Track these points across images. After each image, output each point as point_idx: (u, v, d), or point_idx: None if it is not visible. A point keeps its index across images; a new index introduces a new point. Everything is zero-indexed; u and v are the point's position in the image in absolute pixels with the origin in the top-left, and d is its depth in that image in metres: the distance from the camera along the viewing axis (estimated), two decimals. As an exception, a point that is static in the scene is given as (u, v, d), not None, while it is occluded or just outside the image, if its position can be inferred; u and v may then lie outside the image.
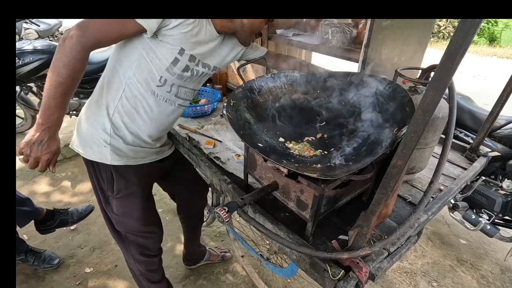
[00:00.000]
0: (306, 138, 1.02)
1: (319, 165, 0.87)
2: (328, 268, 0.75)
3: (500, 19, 9.50)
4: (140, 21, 0.86)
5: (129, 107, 1.04)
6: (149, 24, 0.88)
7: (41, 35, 4.57)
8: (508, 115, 1.93)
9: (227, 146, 1.40)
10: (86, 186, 2.65)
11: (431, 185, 0.80)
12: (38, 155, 0.92)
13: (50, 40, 4.73)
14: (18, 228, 1.79)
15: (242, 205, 0.82)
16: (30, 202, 1.76)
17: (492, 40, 9.52)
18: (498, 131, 1.91)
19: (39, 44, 2.77)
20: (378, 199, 0.64)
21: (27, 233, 2.06)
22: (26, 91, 2.91)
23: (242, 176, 1.17)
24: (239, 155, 1.31)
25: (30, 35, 4.40)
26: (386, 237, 0.79)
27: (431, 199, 1.03)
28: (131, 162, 1.12)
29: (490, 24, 10.20)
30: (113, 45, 1.00)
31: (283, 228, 0.89)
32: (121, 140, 1.08)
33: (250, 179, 1.09)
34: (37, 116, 0.89)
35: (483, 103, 2.45)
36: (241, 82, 1.89)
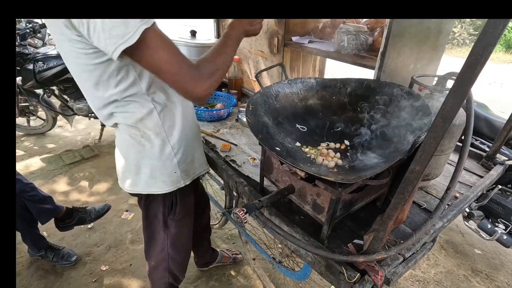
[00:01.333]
0: (322, 144, 1.04)
1: (335, 169, 0.89)
2: (344, 270, 0.76)
3: (518, 26, 9.30)
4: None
5: (169, 116, 0.99)
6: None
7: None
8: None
9: (243, 149, 1.43)
10: (103, 186, 2.72)
11: (447, 192, 0.80)
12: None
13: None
14: (39, 225, 1.86)
15: (260, 207, 0.85)
16: (51, 200, 1.83)
17: (509, 47, 9.31)
18: (516, 139, 1.88)
19: (62, 48, 2.88)
20: (395, 203, 0.66)
21: (47, 230, 2.14)
22: (49, 94, 3.03)
23: (257, 179, 1.20)
24: (254, 159, 1.34)
25: (53, 40, 4.56)
26: (402, 242, 0.80)
27: (447, 206, 1.03)
28: (195, 174, 1.14)
29: (506, 30, 9.98)
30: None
31: (298, 230, 0.91)
32: (184, 155, 1.06)
33: (265, 182, 1.12)
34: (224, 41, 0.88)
35: (499, 110, 2.41)
36: (256, 87, 1.93)
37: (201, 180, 1.66)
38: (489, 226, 1.76)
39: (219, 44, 0.87)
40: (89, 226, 2.24)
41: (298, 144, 1.02)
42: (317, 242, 0.86)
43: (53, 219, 1.87)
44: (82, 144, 3.42)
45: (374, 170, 0.74)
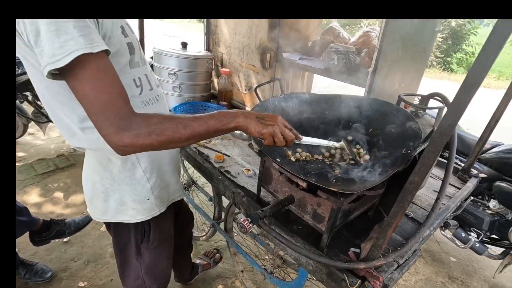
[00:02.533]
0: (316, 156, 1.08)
1: (334, 180, 0.93)
2: (346, 277, 0.80)
3: (477, 51, 10.20)
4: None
5: None
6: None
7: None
8: (493, 140, 2.08)
9: (236, 160, 1.45)
10: (80, 197, 2.60)
11: (437, 202, 0.87)
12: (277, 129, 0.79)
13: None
14: (12, 239, 1.73)
15: (263, 216, 0.87)
16: (27, 211, 1.72)
17: (468, 69, 10.19)
18: (484, 154, 2.06)
19: (41, 53, 2.78)
20: (395, 212, 0.70)
21: (19, 244, 1.98)
22: (22, 100, 2.88)
23: (252, 189, 1.22)
24: (248, 170, 1.36)
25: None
26: (398, 249, 0.84)
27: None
28: (169, 201, 1.09)
29: (468, 55, 10.93)
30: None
31: (299, 240, 0.93)
32: (158, 180, 0.99)
33: (261, 193, 1.14)
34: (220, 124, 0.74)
35: (465, 128, 2.61)
36: (247, 100, 1.97)
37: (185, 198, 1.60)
38: (464, 235, 1.88)
39: (203, 118, 0.72)
40: (65, 240, 2.11)
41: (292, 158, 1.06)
42: (318, 251, 0.89)
43: (27, 232, 1.76)
44: (56, 153, 3.25)
45: (374, 181, 0.79)
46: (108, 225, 1.06)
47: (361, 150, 1.02)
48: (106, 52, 0.66)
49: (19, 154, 3.17)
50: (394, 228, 0.75)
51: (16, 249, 1.92)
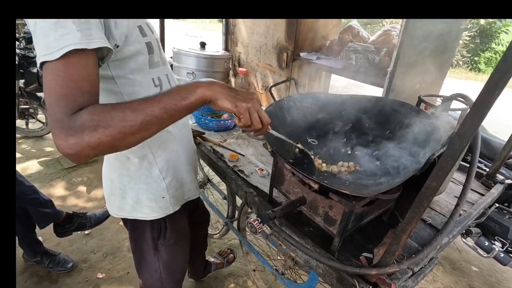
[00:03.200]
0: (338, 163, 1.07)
1: (347, 182, 0.91)
2: (356, 283, 0.78)
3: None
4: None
5: (157, 137, 0.80)
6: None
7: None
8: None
9: (250, 160, 1.45)
10: (101, 192, 2.70)
11: (457, 208, 0.83)
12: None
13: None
14: (37, 230, 1.83)
15: (273, 217, 0.86)
16: (52, 204, 1.81)
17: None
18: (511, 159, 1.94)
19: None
20: (410, 217, 0.68)
21: (43, 235, 2.09)
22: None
23: (265, 189, 1.22)
24: (262, 169, 1.36)
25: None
26: (413, 256, 0.82)
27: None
28: (184, 200, 1.10)
29: (498, 55, 10.36)
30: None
31: (309, 242, 0.92)
32: (174, 179, 1.01)
33: (274, 193, 1.14)
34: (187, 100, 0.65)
35: (491, 131, 2.48)
36: (263, 100, 1.97)
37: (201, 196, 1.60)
38: (487, 243, 1.79)
39: (153, 97, 0.63)
40: (86, 232, 2.21)
41: (312, 155, 1.05)
42: (328, 254, 0.88)
43: (51, 224, 1.85)
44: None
45: (388, 185, 0.77)
46: (125, 220, 1.08)
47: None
48: (108, 50, 0.64)
49: (47, 149, 3.33)
50: (409, 234, 0.72)
51: (41, 239, 2.02)
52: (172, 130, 0.98)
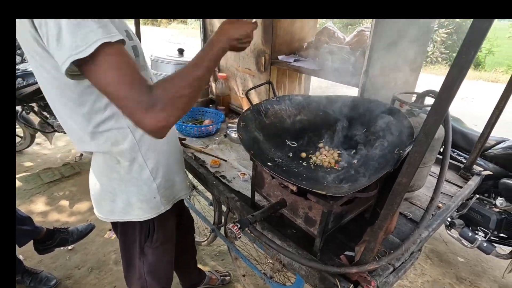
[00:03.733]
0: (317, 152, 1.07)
1: (325, 183, 0.92)
2: (338, 282, 0.78)
3: (483, 46, 10.02)
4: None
5: (146, 139, 0.93)
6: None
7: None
8: (498, 135, 2.03)
9: (232, 165, 1.45)
10: (84, 205, 2.63)
11: (432, 202, 0.85)
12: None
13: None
14: (16, 248, 1.76)
15: (253, 221, 0.86)
16: (31, 221, 1.75)
17: (477, 64, 9.99)
18: (489, 151, 2.00)
19: (44, 64, 2.84)
20: (385, 214, 0.69)
21: (23, 253, 2.02)
22: (28, 111, 2.95)
23: (248, 194, 1.21)
24: (244, 174, 1.35)
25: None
26: (392, 252, 0.82)
27: (431, 216, 1.08)
28: (175, 199, 1.10)
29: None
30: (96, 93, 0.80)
31: (291, 244, 0.92)
32: (164, 179, 1.01)
33: (256, 197, 1.13)
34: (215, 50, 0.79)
35: (472, 124, 2.55)
36: (244, 104, 1.97)
37: (186, 203, 1.62)
38: (470, 234, 1.83)
39: (193, 61, 0.75)
40: (70, 247, 2.14)
41: (290, 155, 1.05)
42: (310, 255, 0.88)
43: (31, 241, 1.78)
44: (62, 162, 3.30)
45: (363, 183, 0.77)
46: (115, 225, 1.07)
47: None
48: (123, 41, 0.68)
49: (26, 164, 3.23)
50: (385, 230, 0.73)
51: (22, 258, 1.95)
52: None
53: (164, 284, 1.24)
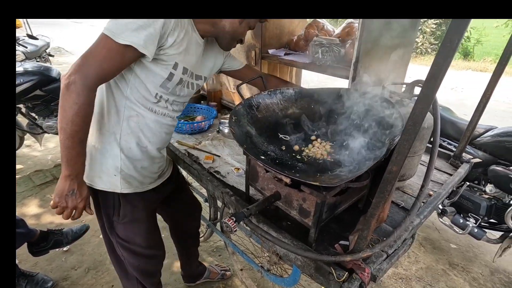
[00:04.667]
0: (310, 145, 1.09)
1: (318, 174, 0.93)
2: (333, 271, 0.79)
3: (472, 36, 10.15)
4: (140, 49, 0.85)
5: (133, 128, 1.03)
6: (149, 50, 0.87)
7: (28, 57, 4.56)
8: (486, 124, 2.07)
9: (226, 160, 1.45)
10: (78, 206, 2.60)
11: (422, 190, 0.87)
12: (75, 204, 0.95)
13: (37, 61, 4.73)
14: (10, 252, 1.74)
15: (248, 215, 0.87)
16: (24, 223, 1.73)
17: (466, 54, 10.12)
18: (478, 139, 2.04)
19: (30, 65, 2.78)
20: (376, 202, 0.70)
21: (18, 256, 2.00)
22: (16, 113, 2.89)
23: (242, 188, 1.22)
24: (238, 169, 1.36)
25: (18, 56, 4.38)
26: (384, 239, 0.84)
27: (422, 203, 1.10)
28: (139, 189, 1.13)
29: (463, 40, 10.85)
30: None
31: (287, 235, 0.93)
32: (132, 166, 1.07)
33: (251, 191, 1.14)
34: (62, 168, 0.90)
35: (462, 113, 2.61)
36: (236, 99, 1.96)
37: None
38: (461, 221, 1.88)
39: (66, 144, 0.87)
40: (65, 249, 2.12)
41: (283, 148, 1.06)
42: (306, 246, 0.89)
43: (25, 243, 1.76)
44: (53, 163, 3.26)
45: (355, 173, 0.79)
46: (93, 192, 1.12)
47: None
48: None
49: (17, 166, 3.18)
50: (378, 218, 0.75)
51: (17, 261, 1.93)
52: (151, 130, 1.07)
53: (144, 263, 1.29)
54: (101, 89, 1.00)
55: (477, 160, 1.52)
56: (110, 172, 1.05)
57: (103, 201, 1.12)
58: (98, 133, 1.04)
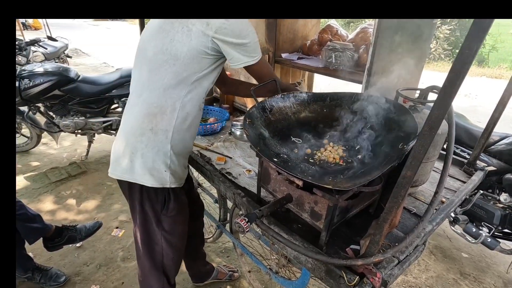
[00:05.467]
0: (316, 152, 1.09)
1: (330, 178, 0.93)
2: (344, 274, 0.80)
3: (487, 42, 9.94)
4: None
5: (182, 126, 1.10)
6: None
7: (47, 58, 4.71)
8: (501, 131, 2.03)
9: (237, 162, 1.47)
10: (91, 203, 2.67)
11: (435, 196, 0.86)
12: None
13: (56, 62, 4.87)
14: (26, 245, 1.80)
15: (260, 216, 0.88)
16: (40, 218, 1.79)
17: (481, 61, 9.92)
18: (493, 146, 2.01)
19: (49, 66, 2.88)
20: (389, 207, 0.70)
21: (33, 250, 2.06)
22: (34, 111, 2.99)
23: (253, 190, 1.23)
24: (249, 171, 1.37)
25: (37, 57, 4.53)
26: (396, 244, 0.84)
27: (435, 210, 1.09)
28: (181, 183, 1.20)
29: (478, 45, 10.63)
30: (145, 70, 1.09)
31: (297, 238, 0.94)
32: (177, 161, 1.13)
33: (262, 193, 1.15)
34: None
35: (476, 120, 2.56)
36: (248, 102, 1.98)
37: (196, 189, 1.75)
38: (474, 229, 1.84)
39: None
40: (78, 245, 2.18)
41: (296, 151, 1.07)
42: (316, 249, 0.89)
43: (41, 238, 1.82)
44: (68, 161, 3.35)
45: (368, 178, 0.79)
46: (127, 186, 1.14)
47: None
48: None
49: (33, 163, 3.28)
50: (390, 223, 0.75)
51: (32, 255, 1.99)
52: (193, 122, 1.14)
53: (177, 256, 1.32)
54: (158, 90, 1.06)
55: (492, 168, 1.50)
56: (161, 168, 1.09)
57: (153, 198, 1.15)
58: (150, 132, 1.07)
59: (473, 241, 1.87)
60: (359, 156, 1.00)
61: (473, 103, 6.29)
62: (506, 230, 1.91)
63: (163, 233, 1.22)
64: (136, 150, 1.08)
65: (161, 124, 1.07)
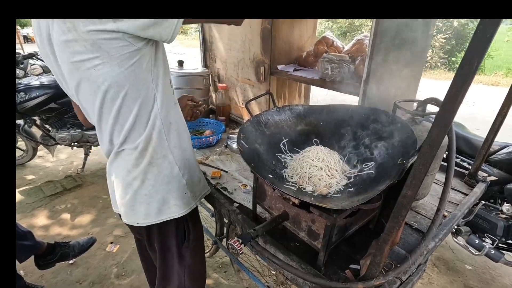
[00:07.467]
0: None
1: (328, 195, 0.90)
2: (344, 299, 0.75)
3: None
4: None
5: (172, 136, 0.96)
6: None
7: (45, 70, 4.70)
8: (501, 140, 2.00)
9: (233, 176, 1.43)
10: (86, 217, 2.61)
11: (438, 213, 0.83)
12: None
13: (53, 75, 4.86)
14: (17, 263, 1.74)
15: (255, 236, 0.84)
16: (32, 235, 1.73)
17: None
18: (493, 156, 1.98)
19: (46, 79, 2.86)
20: (390, 228, 0.67)
21: (24, 268, 2.00)
22: (30, 124, 2.95)
23: (249, 206, 1.19)
24: (245, 185, 1.34)
25: (35, 70, 4.52)
26: (398, 266, 0.80)
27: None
28: (202, 194, 1.13)
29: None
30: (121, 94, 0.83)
31: (295, 258, 0.90)
32: (190, 176, 1.04)
33: (258, 209, 1.11)
34: None
35: (474, 128, 2.54)
36: (244, 114, 1.96)
37: None
38: (477, 241, 1.79)
39: None
40: (71, 262, 2.11)
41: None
42: (314, 270, 0.85)
43: (32, 256, 1.76)
44: (64, 174, 3.30)
45: (367, 195, 0.76)
46: (149, 231, 1.03)
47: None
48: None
49: (28, 177, 3.23)
50: (391, 244, 0.71)
51: (22, 273, 1.93)
52: (183, 129, 1.03)
53: (201, 283, 1.23)
54: (125, 121, 0.87)
55: (493, 178, 1.46)
56: (181, 193, 1.01)
57: (175, 230, 1.05)
58: (151, 173, 0.95)
59: (476, 253, 1.82)
60: (357, 171, 0.97)
61: (471, 110, 6.30)
62: (510, 241, 1.86)
63: (186, 269, 1.11)
64: (148, 191, 0.96)
65: (156, 154, 0.94)
